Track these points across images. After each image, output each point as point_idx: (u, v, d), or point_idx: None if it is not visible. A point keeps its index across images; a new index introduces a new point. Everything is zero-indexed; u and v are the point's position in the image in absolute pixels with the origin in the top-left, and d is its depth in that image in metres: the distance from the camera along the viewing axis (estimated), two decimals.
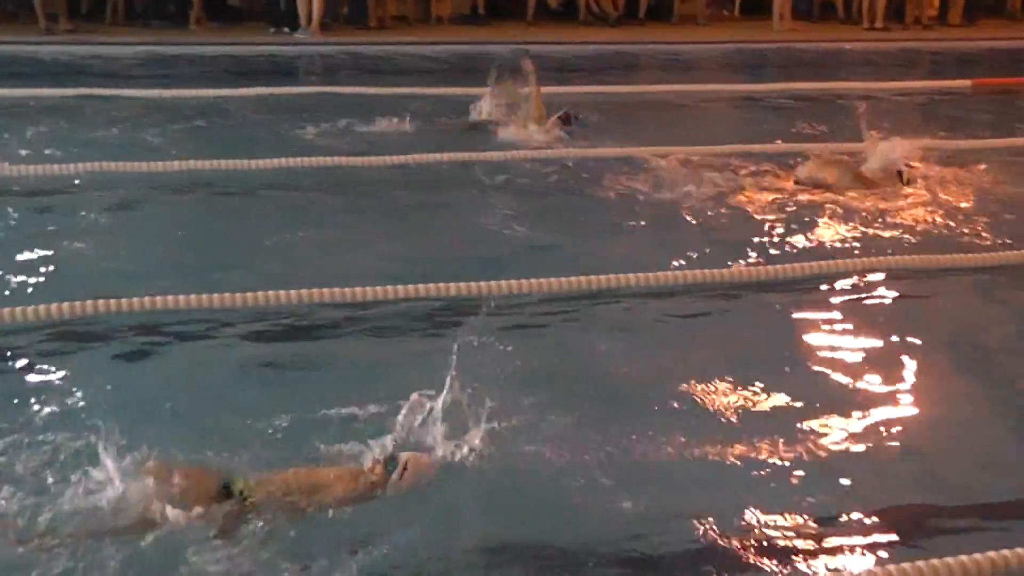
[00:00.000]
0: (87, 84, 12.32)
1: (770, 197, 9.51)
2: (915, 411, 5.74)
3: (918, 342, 6.49)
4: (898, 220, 8.94)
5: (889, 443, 5.34)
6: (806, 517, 4.64)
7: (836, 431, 5.38)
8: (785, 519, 4.62)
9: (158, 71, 13.83)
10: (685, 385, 5.76)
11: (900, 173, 9.78)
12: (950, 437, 5.48)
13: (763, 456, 5.09)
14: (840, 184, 9.59)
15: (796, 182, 9.76)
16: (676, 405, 5.59)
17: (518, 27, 17.89)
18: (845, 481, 4.94)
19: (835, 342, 6.54)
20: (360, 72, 14.43)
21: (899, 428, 5.46)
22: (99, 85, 12.26)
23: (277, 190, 9.17)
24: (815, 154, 10.03)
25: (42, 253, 7.40)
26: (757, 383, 5.80)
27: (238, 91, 12.55)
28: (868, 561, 4.41)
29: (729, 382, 5.82)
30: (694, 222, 8.75)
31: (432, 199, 9.20)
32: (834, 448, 5.23)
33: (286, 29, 16.29)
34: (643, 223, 8.67)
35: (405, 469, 4.71)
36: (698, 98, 13.28)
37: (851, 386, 5.90)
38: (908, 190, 9.63)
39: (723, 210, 9.06)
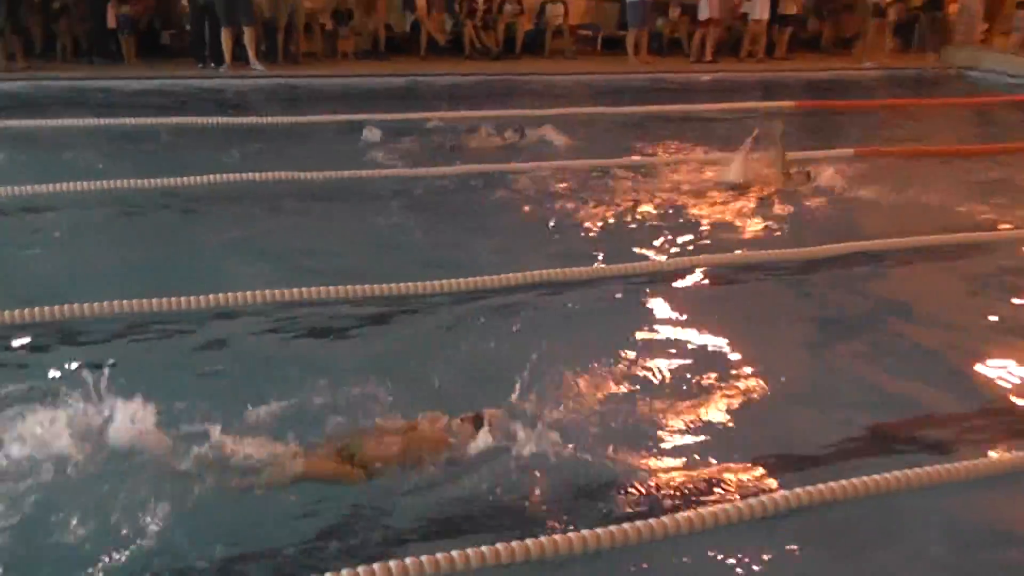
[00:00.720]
0: (43, 115, 12.50)
1: (641, 201, 9.93)
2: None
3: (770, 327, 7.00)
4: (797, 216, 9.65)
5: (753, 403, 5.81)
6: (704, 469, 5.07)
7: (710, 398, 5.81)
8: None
9: (101, 102, 13.85)
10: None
11: (808, 173, 10.67)
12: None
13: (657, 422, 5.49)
14: (769, 183, 10.37)
15: (727, 183, 10.40)
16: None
17: (412, 61, 18.30)
18: (718, 436, 5.39)
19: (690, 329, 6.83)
20: (276, 101, 14.54)
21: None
22: (52, 115, 12.46)
23: (214, 204, 9.35)
24: (747, 156, 10.61)
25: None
26: (642, 364, 6.14)
27: (170, 119, 12.74)
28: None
29: (614, 365, 6.11)
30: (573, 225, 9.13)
31: (341, 209, 9.50)
32: (707, 408, 5.68)
33: (212, 64, 16.45)
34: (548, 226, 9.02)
35: (490, 424, 5.01)
36: (571, 119, 13.52)
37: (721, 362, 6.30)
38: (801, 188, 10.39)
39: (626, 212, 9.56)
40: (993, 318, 7.41)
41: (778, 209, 9.85)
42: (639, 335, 6.66)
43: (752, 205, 9.97)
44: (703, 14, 19.88)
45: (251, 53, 16.31)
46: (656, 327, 6.82)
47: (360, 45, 18.38)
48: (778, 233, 9.13)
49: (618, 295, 7.43)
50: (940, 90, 19.00)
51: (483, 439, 4.91)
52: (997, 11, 22.84)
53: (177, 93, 14.88)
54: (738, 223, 9.39)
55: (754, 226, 9.33)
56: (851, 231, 9.09)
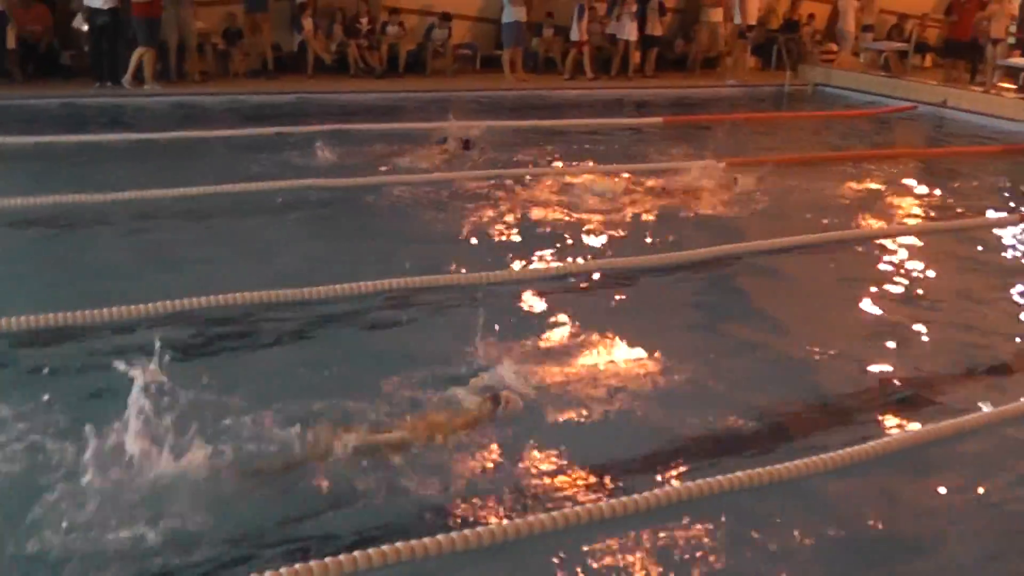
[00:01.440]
0: None
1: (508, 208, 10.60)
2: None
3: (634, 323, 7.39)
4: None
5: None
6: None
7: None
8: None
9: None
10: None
11: (736, 180, 11.77)
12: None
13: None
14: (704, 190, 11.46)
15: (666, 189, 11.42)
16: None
17: (300, 80, 18.86)
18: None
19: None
20: (174, 119, 14.81)
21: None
22: None
23: (112, 222, 9.45)
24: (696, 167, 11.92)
25: None
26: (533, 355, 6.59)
27: (70, 137, 12.99)
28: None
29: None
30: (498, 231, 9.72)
31: (250, 222, 9.74)
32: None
33: (109, 83, 16.74)
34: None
35: (507, 403, 5.64)
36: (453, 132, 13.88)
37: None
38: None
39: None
40: (862, 310, 8.10)
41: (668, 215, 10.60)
42: (536, 335, 7.01)
43: (637, 212, 10.64)
44: (574, 35, 21.01)
45: (148, 73, 16.74)
46: (550, 328, 7.21)
47: (250, 64, 18.92)
48: (664, 237, 9.68)
49: (503, 299, 7.79)
50: (798, 104, 20.31)
51: (501, 417, 5.55)
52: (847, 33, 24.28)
53: (75, 111, 14.97)
54: (629, 228, 10.00)
55: (637, 231, 9.92)
56: (734, 233, 9.84)
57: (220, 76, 18.49)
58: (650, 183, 11.77)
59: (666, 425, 5.91)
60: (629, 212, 10.67)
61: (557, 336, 7.12)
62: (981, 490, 5.47)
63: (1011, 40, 22.53)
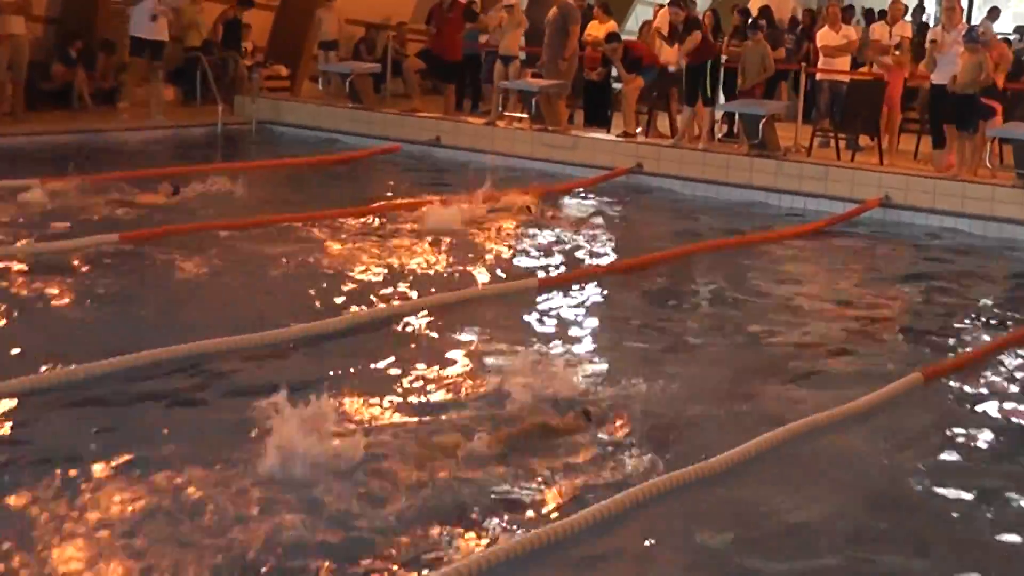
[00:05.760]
0: None
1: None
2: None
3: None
4: None
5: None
6: None
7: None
8: None
9: None
10: None
11: (529, 208, 14.22)
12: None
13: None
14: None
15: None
16: None
17: None
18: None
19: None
20: None
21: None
22: None
23: None
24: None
25: None
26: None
27: None
28: None
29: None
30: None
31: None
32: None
33: None
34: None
35: (594, 416, 7.62)
36: None
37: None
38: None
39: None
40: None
41: None
42: None
43: None
44: None
45: None
46: None
47: None
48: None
49: None
50: (243, 151, 19.37)
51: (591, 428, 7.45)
52: (300, 52, 23.75)
53: None
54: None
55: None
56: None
57: None
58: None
59: None
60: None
61: None
62: None
63: (522, 56, 21.69)
